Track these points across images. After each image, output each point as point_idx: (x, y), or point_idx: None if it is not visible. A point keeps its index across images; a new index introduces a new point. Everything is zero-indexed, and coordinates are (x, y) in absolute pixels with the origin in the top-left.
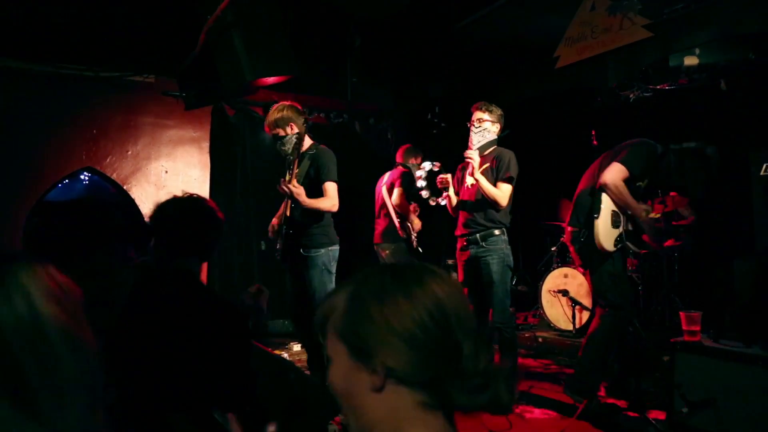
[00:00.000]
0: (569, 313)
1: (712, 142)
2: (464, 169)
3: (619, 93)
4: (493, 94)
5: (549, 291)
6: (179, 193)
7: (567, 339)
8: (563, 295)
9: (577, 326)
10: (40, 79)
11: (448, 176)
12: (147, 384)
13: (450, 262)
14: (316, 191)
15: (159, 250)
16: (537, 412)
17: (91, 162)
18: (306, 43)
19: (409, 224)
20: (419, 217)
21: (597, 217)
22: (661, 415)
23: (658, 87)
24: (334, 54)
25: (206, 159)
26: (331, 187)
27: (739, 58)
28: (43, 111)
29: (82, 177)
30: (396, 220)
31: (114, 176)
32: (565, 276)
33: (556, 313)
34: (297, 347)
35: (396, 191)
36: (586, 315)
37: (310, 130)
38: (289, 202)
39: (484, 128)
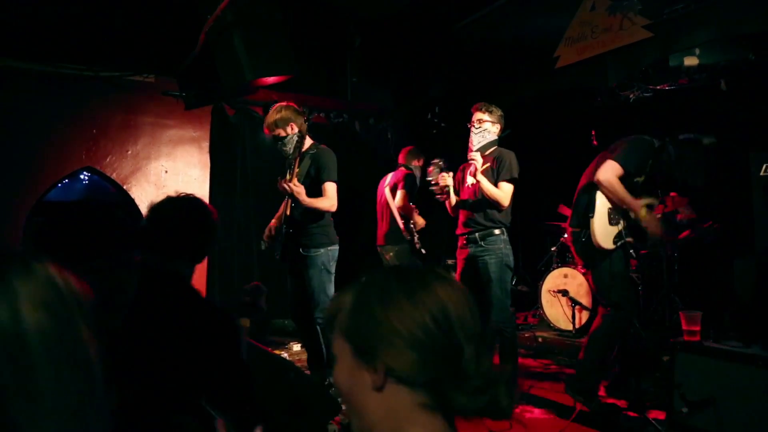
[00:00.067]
0: (569, 313)
1: (708, 131)
2: (465, 169)
3: (619, 93)
4: (493, 94)
5: (549, 291)
6: (182, 193)
7: (567, 339)
8: (563, 295)
9: (577, 326)
10: (40, 79)
11: (450, 174)
12: (145, 386)
13: (450, 262)
14: (316, 191)
15: (150, 252)
16: (537, 412)
17: (91, 162)
18: (306, 43)
19: (412, 225)
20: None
21: (592, 216)
22: (661, 415)
23: (658, 87)
24: (334, 54)
25: (206, 159)
26: (330, 187)
27: (739, 58)
28: (43, 111)
29: (81, 177)
30: (400, 222)
31: (114, 176)
32: (565, 276)
33: (556, 313)
34: (297, 347)
35: (399, 193)
36: (585, 315)
37: (311, 129)
38: (290, 201)
39: (485, 129)
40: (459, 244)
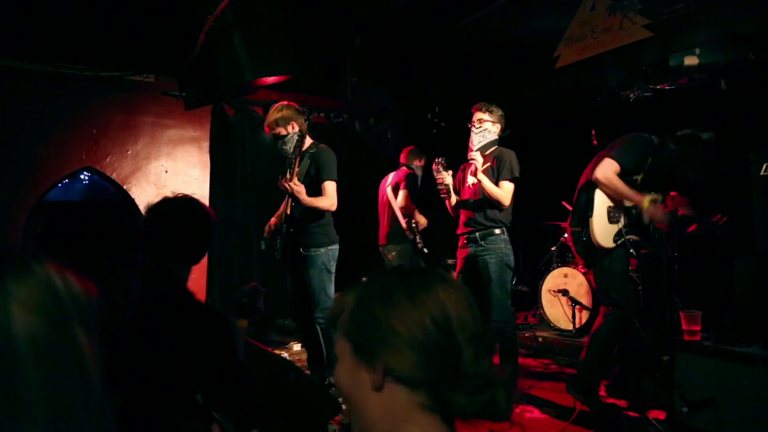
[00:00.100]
0: (569, 312)
1: (708, 129)
2: (465, 169)
3: (619, 93)
4: (493, 94)
5: (549, 291)
6: (178, 193)
7: (567, 339)
8: (563, 294)
9: (577, 326)
10: (40, 79)
11: (449, 173)
12: (145, 387)
13: (450, 261)
14: (316, 190)
15: (146, 253)
16: (537, 412)
17: (91, 162)
18: (306, 43)
19: (414, 225)
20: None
21: (591, 216)
22: (661, 415)
23: (658, 87)
24: (334, 54)
25: (206, 159)
26: (330, 187)
27: (739, 58)
28: (43, 111)
29: (82, 177)
30: (402, 221)
31: (114, 176)
32: (565, 276)
33: (556, 312)
34: (297, 347)
35: (401, 192)
36: (585, 315)
37: (311, 129)
38: (290, 200)
39: (485, 129)
40: (459, 243)
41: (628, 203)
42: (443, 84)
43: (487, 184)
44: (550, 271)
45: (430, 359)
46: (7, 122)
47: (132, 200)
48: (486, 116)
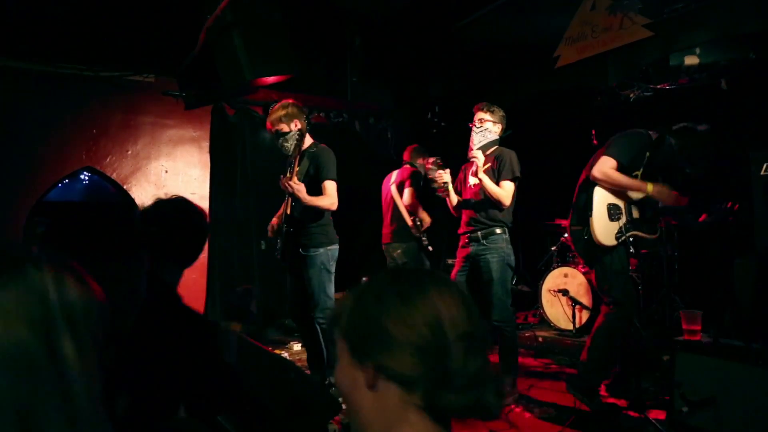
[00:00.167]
0: (569, 312)
1: (704, 123)
2: (466, 169)
3: (619, 92)
4: (493, 93)
5: (549, 290)
6: (181, 194)
7: (567, 338)
8: (563, 294)
9: (577, 326)
10: (40, 79)
11: (447, 171)
12: (145, 391)
13: (450, 261)
14: (316, 190)
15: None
16: (537, 412)
17: (91, 162)
18: (306, 43)
19: (419, 223)
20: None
21: (591, 215)
22: (661, 415)
23: (659, 86)
24: (334, 54)
25: (206, 158)
26: (330, 186)
27: (739, 57)
28: (42, 111)
29: (82, 177)
30: (408, 219)
31: (114, 176)
32: (565, 275)
33: (556, 312)
34: (297, 347)
35: (407, 190)
36: (586, 314)
37: (311, 129)
38: (290, 200)
39: (486, 128)
40: (461, 243)
41: (634, 194)
42: (443, 84)
43: (488, 183)
44: (551, 270)
45: (420, 358)
46: (7, 122)
47: (132, 200)
48: (487, 116)
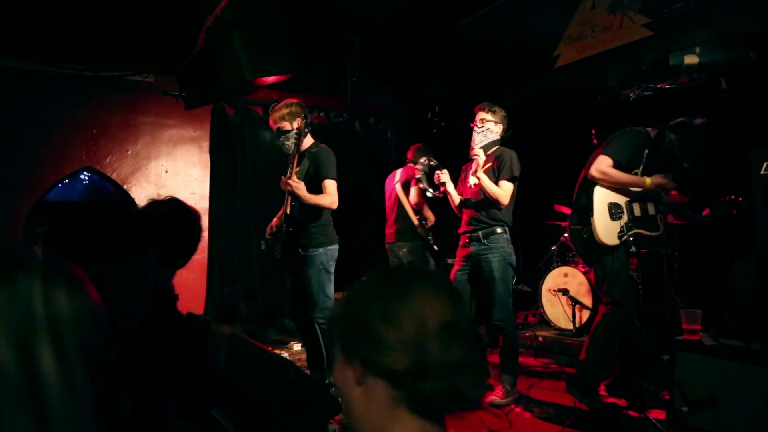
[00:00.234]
0: (569, 312)
1: (703, 120)
2: (467, 169)
3: (619, 92)
4: (493, 93)
5: (549, 290)
6: (181, 194)
7: (567, 338)
8: (563, 294)
9: (577, 325)
10: (39, 79)
11: (445, 171)
12: (142, 390)
13: (450, 261)
14: (316, 189)
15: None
16: (537, 412)
17: (91, 162)
18: (306, 42)
19: (424, 221)
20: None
21: (592, 215)
22: (661, 415)
23: (658, 86)
24: (334, 54)
25: (206, 158)
26: (330, 185)
27: (739, 57)
28: (42, 111)
29: (82, 177)
30: (414, 218)
31: (114, 176)
32: (565, 275)
33: (556, 312)
34: (297, 347)
35: (413, 189)
36: (586, 314)
37: (312, 129)
38: (290, 200)
39: (487, 128)
40: (461, 242)
41: (635, 190)
42: (443, 84)
43: (487, 182)
44: (551, 270)
45: (403, 351)
46: (7, 122)
47: (132, 200)
48: (489, 116)
